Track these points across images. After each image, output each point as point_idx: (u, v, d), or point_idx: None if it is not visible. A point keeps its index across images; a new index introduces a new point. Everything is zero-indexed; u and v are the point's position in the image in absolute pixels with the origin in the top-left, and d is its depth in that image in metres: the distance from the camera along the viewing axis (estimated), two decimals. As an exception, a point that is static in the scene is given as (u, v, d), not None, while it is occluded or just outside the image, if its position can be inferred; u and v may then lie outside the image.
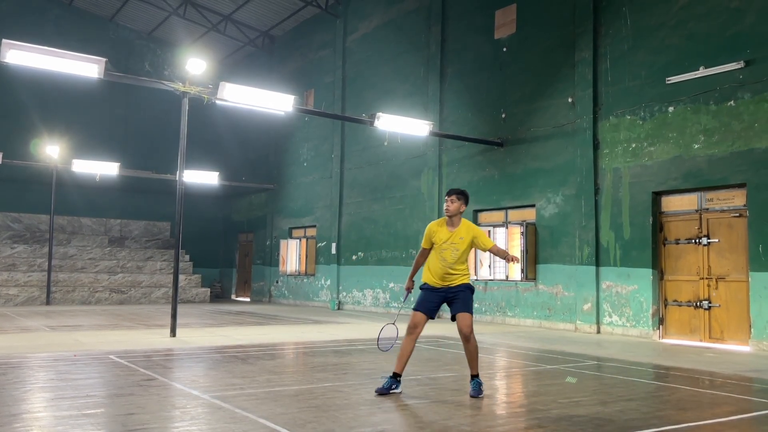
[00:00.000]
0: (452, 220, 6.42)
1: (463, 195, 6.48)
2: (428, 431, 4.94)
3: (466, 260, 6.44)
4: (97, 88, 22.51)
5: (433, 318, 6.50)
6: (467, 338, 6.23)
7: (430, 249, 6.48)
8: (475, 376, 6.32)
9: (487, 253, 6.88)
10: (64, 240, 24.42)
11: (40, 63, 10.58)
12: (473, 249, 6.60)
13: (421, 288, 6.54)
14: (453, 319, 6.36)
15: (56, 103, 24.46)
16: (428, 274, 6.46)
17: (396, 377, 6.34)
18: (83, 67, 10.83)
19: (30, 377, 7.15)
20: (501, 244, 15.21)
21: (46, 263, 21.83)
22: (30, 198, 24.43)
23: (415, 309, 6.45)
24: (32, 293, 21.29)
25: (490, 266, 15.46)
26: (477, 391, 6.22)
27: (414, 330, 6.37)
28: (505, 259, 6.38)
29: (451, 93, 17.46)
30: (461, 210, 6.42)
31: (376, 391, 6.26)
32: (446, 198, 6.48)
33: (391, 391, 6.26)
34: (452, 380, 7.36)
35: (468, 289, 6.36)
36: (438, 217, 17.30)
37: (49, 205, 21.84)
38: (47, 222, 23.51)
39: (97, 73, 10.85)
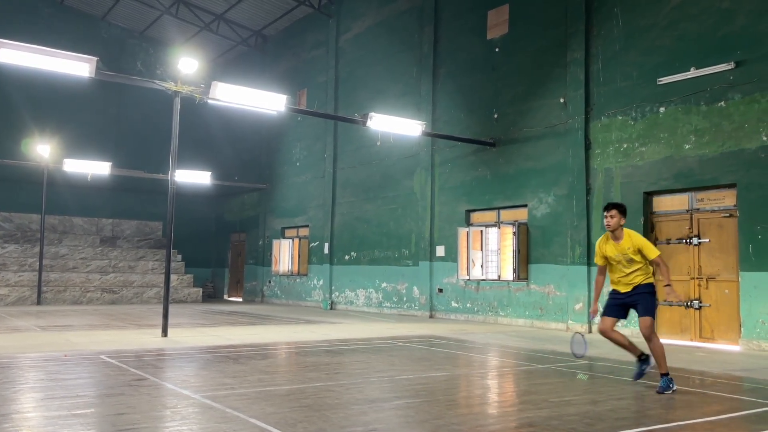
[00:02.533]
0: (615, 234, 6.83)
1: (619, 208, 6.84)
2: (420, 430, 4.95)
3: (644, 264, 6.76)
4: (88, 87, 22.40)
5: (624, 317, 7.01)
6: (647, 339, 6.64)
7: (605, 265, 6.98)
8: (662, 375, 6.62)
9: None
10: (55, 239, 24.30)
11: (31, 62, 10.52)
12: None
13: (608, 294, 7.06)
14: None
15: (47, 102, 24.34)
16: (614, 285, 6.96)
17: (641, 357, 6.90)
18: (74, 66, 10.79)
19: (20, 377, 7.11)
20: (493, 244, 15.25)
21: (37, 263, 21.72)
22: (21, 197, 24.31)
23: (603, 314, 6.97)
24: (23, 293, 21.17)
25: (482, 266, 15.48)
26: (662, 388, 6.51)
27: (605, 332, 6.94)
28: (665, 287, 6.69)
29: (444, 93, 17.48)
30: (621, 223, 6.78)
31: (656, 391, 6.51)
32: (605, 213, 6.85)
33: (672, 390, 6.49)
34: (444, 380, 7.37)
35: (647, 292, 6.72)
36: (430, 217, 17.45)
37: (40, 204, 21.73)
38: (38, 221, 23.39)
39: (88, 72, 10.81)
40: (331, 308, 20.73)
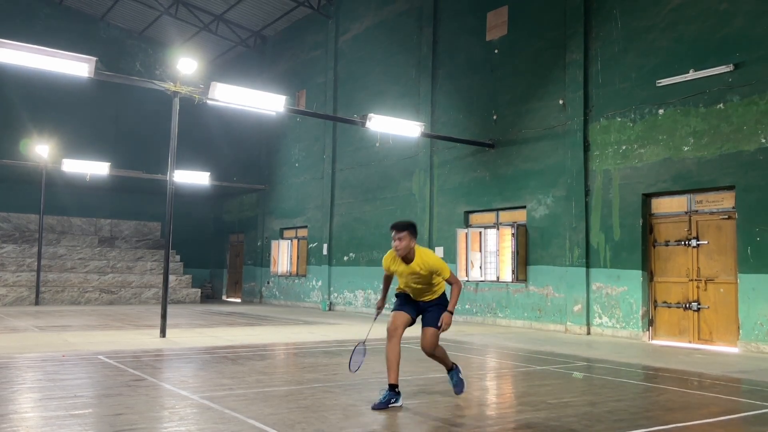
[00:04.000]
0: (405, 258, 5.90)
1: (409, 229, 5.91)
2: (418, 431, 4.95)
3: (436, 285, 5.99)
4: (87, 87, 22.40)
5: (413, 322, 6.03)
6: (428, 354, 6.03)
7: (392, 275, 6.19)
8: (449, 370, 6.21)
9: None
10: (53, 240, 24.27)
11: (29, 62, 10.50)
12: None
13: (396, 295, 6.19)
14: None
15: (46, 102, 24.33)
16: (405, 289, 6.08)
17: (393, 389, 5.72)
18: (73, 66, 10.77)
19: (18, 378, 7.10)
20: (492, 245, 15.26)
21: (36, 263, 21.70)
22: (19, 197, 24.28)
23: (395, 309, 6.02)
24: (21, 293, 21.15)
25: (481, 267, 15.49)
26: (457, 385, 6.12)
27: (395, 332, 5.85)
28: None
29: (443, 94, 17.49)
30: (411, 245, 5.86)
31: (372, 407, 5.63)
32: (393, 234, 5.94)
33: (390, 405, 5.65)
34: (442, 381, 7.36)
35: (438, 305, 5.96)
36: (429, 219, 17.43)
37: (39, 204, 21.72)
38: (37, 222, 23.36)
39: (87, 72, 10.80)
40: (330, 309, 20.72)
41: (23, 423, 4.98)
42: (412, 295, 6.04)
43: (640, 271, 12.50)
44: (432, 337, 5.90)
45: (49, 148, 21.35)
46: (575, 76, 13.95)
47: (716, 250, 11.61)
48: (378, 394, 5.85)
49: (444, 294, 6.05)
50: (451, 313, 5.88)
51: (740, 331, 10.90)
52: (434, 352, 5.97)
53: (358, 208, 20.24)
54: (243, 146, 26.72)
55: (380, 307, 6.34)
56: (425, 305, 6.01)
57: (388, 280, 6.37)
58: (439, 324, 5.82)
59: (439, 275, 5.86)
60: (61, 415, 5.21)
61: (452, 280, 5.91)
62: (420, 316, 6.05)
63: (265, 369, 8.05)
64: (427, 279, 5.87)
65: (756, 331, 10.68)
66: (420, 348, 5.98)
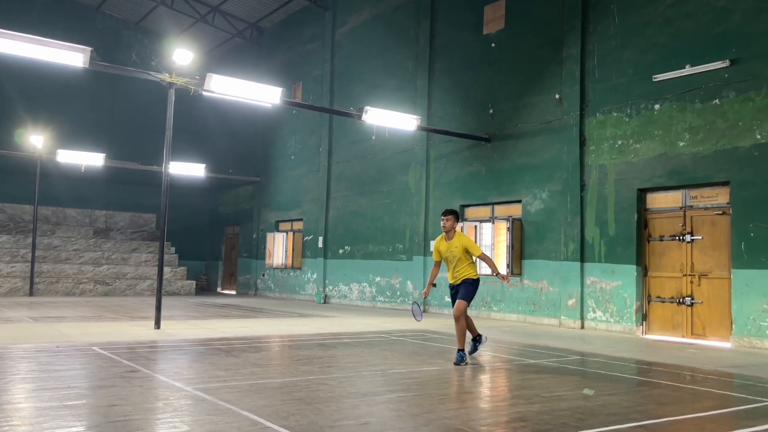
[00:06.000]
0: (448, 235, 8.30)
1: (454, 214, 8.29)
2: (412, 424, 4.96)
3: (469, 262, 8.30)
4: (82, 77, 22.31)
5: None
6: (456, 319, 8.14)
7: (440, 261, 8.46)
8: (459, 350, 8.03)
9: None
10: (48, 231, 24.21)
11: (24, 51, 10.44)
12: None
13: (451, 294, 8.57)
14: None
15: (41, 92, 24.20)
16: (448, 276, 8.45)
17: (461, 351, 8.01)
18: (68, 56, 10.72)
19: (11, 368, 7.09)
20: (487, 239, 15.28)
21: (30, 254, 21.65)
22: (14, 188, 24.18)
23: (455, 301, 8.34)
24: (15, 284, 21.10)
25: (476, 261, 15.48)
26: (458, 359, 7.93)
27: (460, 315, 8.18)
28: (495, 274, 8.41)
29: (440, 88, 17.47)
30: (455, 227, 8.29)
31: (454, 363, 7.89)
32: (443, 217, 8.28)
33: (462, 363, 7.84)
34: (436, 374, 7.39)
35: (469, 282, 8.23)
36: (425, 212, 17.45)
37: (33, 195, 21.64)
38: (31, 212, 23.28)
39: (82, 62, 10.75)
40: (325, 302, 20.74)
41: (17, 414, 4.98)
42: (450, 274, 8.29)
43: (634, 266, 12.54)
44: (460, 304, 8.08)
45: (44, 139, 21.28)
46: (572, 70, 13.94)
47: (710, 245, 11.65)
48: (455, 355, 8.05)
49: (469, 279, 8.25)
50: (499, 273, 8.41)
51: (733, 326, 10.96)
52: (461, 319, 8.08)
53: (354, 201, 20.24)
54: (239, 138, 26.65)
55: (426, 294, 8.65)
56: (457, 287, 8.27)
57: (436, 268, 8.49)
58: (506, 279, 8.67)
59: (469, 252, 8.20)
60: (54, 405, 5.21)
61: (483, 257, 8.38)
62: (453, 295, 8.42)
63: (259, 361, 8.06)
64: (461, 256, 8.15)
65: (749, 327, 10.74)
66: (456, 313, 8.15)
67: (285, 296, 23.07)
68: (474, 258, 8.32)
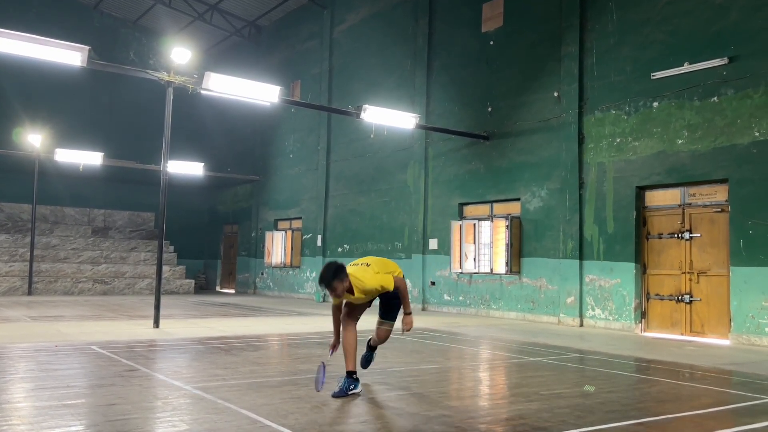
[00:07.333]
0: (349, 292, 5.68)
1: (333, 279, 5.50)
2: (411, 422, 4.96)
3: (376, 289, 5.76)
4: (80, 76, 22.22)
5: (370, 305, 6.04)
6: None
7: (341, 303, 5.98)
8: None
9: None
10: (46, 230, 24.17)
11: (22, 50, 10.42)
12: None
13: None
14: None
15: (39, 91, 24.16)
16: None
17: (351, 375, 5.80)
18: (66, 55, 10.70)
19: (10, 367, 7.08)
20: (486, 237, 15.28)
21: (28, 253, 21.61)
22: (12, 187, 24.15)
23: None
24: (14, 283, 21.07)
25: (474, 259, 15.51)
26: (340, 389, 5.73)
27: (352, 320, 5.93)
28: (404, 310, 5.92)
29: (438, 86, 17.46)
30: (346, 286, 5.56)
31: (333, 396, 5.64)
32: (325, 290, 5.66)
33: (350, 394, 5.70)
34: (435, 372, 7.39)
35: (396, 297, 5.96)
36: (423, 210, 17.43)
37: (32, 194, 21.61)
38: (29, 211, 23.24)
39: (80, 61, 10.73)
40: (324, 300, 20.72)
41: (16, 413, 4.97)
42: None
43: (633, 264, 12.55)
44: (387, 333, 6.13)
45: (42, 138, 21.22)
46: (570, 68, 13.94)
47: (709, 243, 11.66)
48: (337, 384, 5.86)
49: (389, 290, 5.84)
50: (410, 314, 5.92)
51: (732, 323, 10.97)
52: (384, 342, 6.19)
53: (353, 199, 20.23)
54: (237, 137, 26.63)
55: (335, 346, 6.03)
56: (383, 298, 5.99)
57: (338, 310, 6.00)
58: (403, 329, 5.89)
59: (385, 287, 5.71)
60: (53, 405, 5.20)
61: (397, 284, 5.80)
62: (378, 300, 6.02)
63: (258, 360, 8.05)
64: (377, 293, 5.81)
65: (747, 324, 10.75)
66: (377, 339, 6.20)
67: (284, 295, 23.06)
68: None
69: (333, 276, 5.49)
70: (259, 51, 25.49)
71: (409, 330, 5.91)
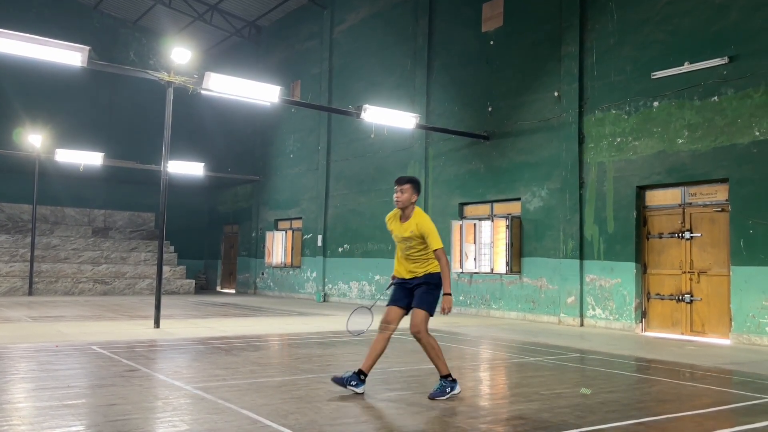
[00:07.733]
0: (404, 212, 5.86)
1: (413, 183, 5.82)
2: (411, 423, 4.96)
3: (424, 253, 5.78)
4: (81, 77, 22.24)
5: (408, 312, 5.90)
6: (416, 338, 5.77)
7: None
8: (442, 377, 5.79)
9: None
10: (46, 230, 24.18)
11: (22, 51, 10.42)
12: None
13: (391, 284, 6.09)
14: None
15: (39, 91, 24.17)
16: (396, 266, 6.00)
17: (360, 375, 5.76)
18: (66, 56, 10.70)
19: (11, 368, 7.08)
20: (486, 237, 15.27)
21: (29, 253, 21.62)
22: (12, 187, 24.16)
23: (389, 304, 5.95)
24: (14, 284, 21.08)
25: (475, 259, 15.51)
26: (435, 393, 5.71)
27: (387, 327, 5.82)
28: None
29: (438, 86, 17.45)
30: (413, 200, 5.79)
31: (332, 379, 5.77)
32: (395, 187, 5.85)
33: (348, 387, 5.69)
34: (435, 372, 7.37)
35: (425, 283, 5.75)
36: (424, 211, 17.33)
37: (32, 194, 21.62)
38: (30, 212, 23.26)
39: (80, 61, 10.73)
40: (324, 300, 20.74)
41: (16, 413, 4.97)
42: (401, 266, 5.92)
43: (633, 264, 12.55)
44: (417, 317, 5.71)
45: (43, 138, 21.24)
46: (570, 68, 13.94)
47: (709, 242, 11.66)
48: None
49: (433, 274, 5.79)
50: (449, 294, 5.66)
51: (732, 323, 10.97)
52: (421, 336, 5.72)
53: (353, 199, 20.23)
54: (237, 137, 26.63)
55: (395, 277, 6.04)
56: (414, 283, 5.82)
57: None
58: (443, 310, 5.69)
59: (424, 242, 5.67)
60: (54, 405, 5.20)
61: (438, 255, 5.68)
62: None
63: (258, 360, 8.05)
64: (417, 244, 5.74)
65: (748, 323, 10.75)
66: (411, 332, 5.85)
67: (284, 295, 23.06)
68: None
69: (413, 182, 5.85)
70: (259, 51, 25.50)
71: (448, 311, 5.67)
